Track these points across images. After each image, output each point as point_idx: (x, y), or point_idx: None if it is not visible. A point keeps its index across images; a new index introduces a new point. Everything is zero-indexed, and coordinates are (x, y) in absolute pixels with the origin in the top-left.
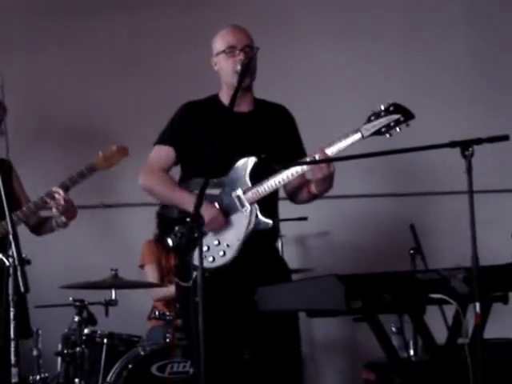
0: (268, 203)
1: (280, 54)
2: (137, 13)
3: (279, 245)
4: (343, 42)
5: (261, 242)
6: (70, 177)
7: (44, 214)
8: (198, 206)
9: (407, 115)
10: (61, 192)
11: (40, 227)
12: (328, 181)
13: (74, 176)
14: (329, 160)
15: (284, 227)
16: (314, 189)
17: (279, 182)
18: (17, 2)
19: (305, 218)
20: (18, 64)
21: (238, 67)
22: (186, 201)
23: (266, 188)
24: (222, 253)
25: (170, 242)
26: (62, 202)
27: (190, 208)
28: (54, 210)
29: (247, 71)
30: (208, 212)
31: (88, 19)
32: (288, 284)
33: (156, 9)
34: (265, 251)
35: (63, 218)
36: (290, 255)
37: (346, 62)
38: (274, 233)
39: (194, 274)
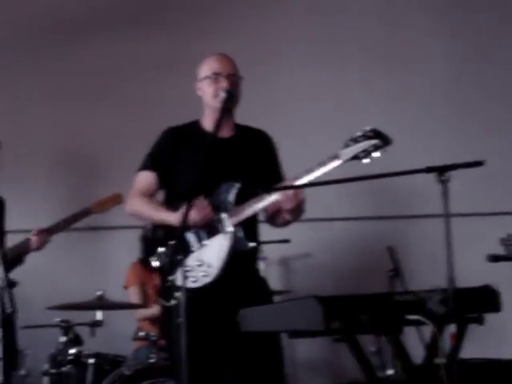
0: (249, 226)
1: (263, 84)
2: (121, 38)
3: (261, 266)
4: (324, 70)
5: (242, 263)
6: (64, 219)
7: None
8: (182, 227)
9: (385, 140)
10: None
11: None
12: (298, 210)
13: (68, 218)
14: (308, 185)
15: (267, 249)
16: (287, 216)
17: (260, 206)
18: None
19: (287, 241)
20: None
21: (223, 94)
22: (172, 218)
23: (248, 211)
24: (203, 273)
25: (153, 262)
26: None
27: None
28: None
29: (230, 98)
30: (196, 203)
31: (72, 46)
32: (269, 305)
33: (139, 35)
34: (246, 272)
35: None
36: (273, 277)
37: (326, 90)
38: (255, 254)
39: (176, 294)
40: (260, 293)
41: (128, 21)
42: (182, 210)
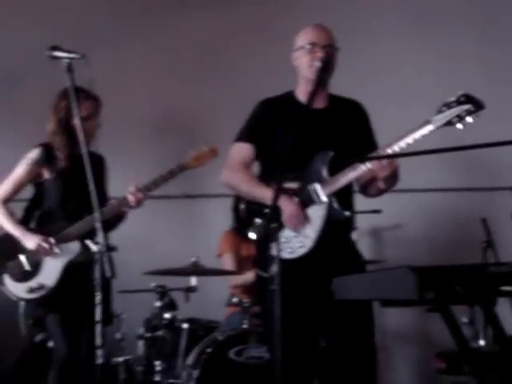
0: (344, 195)
1: (351, 52)
2: (216, 10)
3: (353, 236)
4: (415, 37)
5: (337, 232)
6: (161, 176)
7: None
8: (275, 198)
9: (477, 105)
10: (139, 195)
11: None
12: (393, 177)
13: (164, 175)
14: (402, 155)
15: (358, 219)
16: (381, 185)
17: (354, 175)
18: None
19: (379, 211)
20: (103, 60)
21: (318, 63)
22: (266, 196)
23: (342, 181)
24: (300, 244)
25: (251, 235)
26: (136, 205)
27: (269, 202)
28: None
29: (325, 68)
30: (287, 208)
31: (170, 17)
32: (363, 274)
33: (235, 7)
34: (341, 242)
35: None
36: (364, 247)
37: (419, 57)
38: (349, 224)
39: (273, 265)
40: (354, 262)
41: None
42: (274, 187)
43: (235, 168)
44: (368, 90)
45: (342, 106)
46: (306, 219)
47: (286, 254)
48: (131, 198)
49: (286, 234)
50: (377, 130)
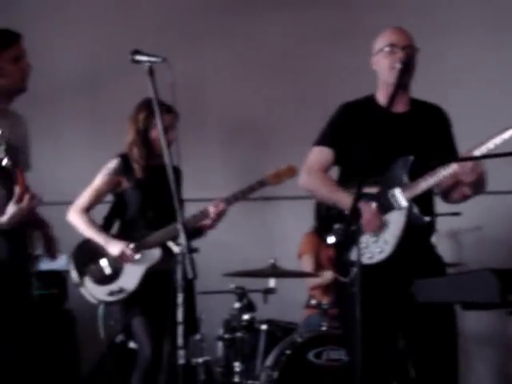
0: (424, 199)
1: (439, 57)
2: (291, 12)
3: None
4: (489, 38)
5: (417, 237)
6: (241, 190)
7: None
8: (355, 203)
9: None
10: (220, 207)
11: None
12: (479, 183)
13: (244, 190)
14: (482, 157)
15: (438, 222)
16: (466, 191)
17: (435, 180)
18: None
19: (458, 214)
20: (182, 61)
21: (398, 65)
22: (344, 201)
23: (423, 185)
24: (379, 249)
25: (330, 239)
26: (216, 217)
27: (347, 208)
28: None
29: (406, 69)
30: (366, 213)
31: (245, 18)
32: (444, 277)
33: (309, 9)
34: (421, 247)
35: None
36: (444, 250)
37: (491, 58)
38: (430, 228)
39: (353, 269)
40: (434, 266)
41: None
42: (353, 194)
43: (314, 172)
44: (446, 94)
45: (423, 110)
46: (384, 224)
47: (365, 260)
48: (212, 210)
49: (365, 239)
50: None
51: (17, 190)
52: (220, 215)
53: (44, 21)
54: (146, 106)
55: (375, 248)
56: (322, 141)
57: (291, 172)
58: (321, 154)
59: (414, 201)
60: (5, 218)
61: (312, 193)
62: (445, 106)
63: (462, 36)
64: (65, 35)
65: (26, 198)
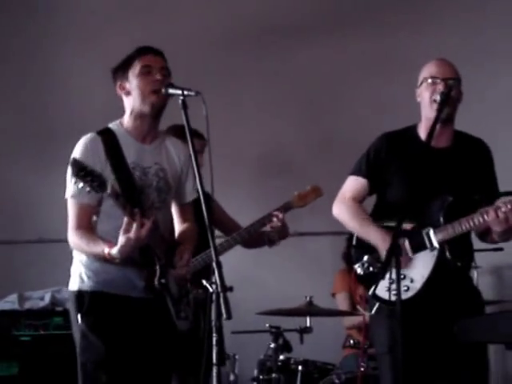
0: (461, 239)
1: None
2: (323, 46)
3: (473, 275)
4: None
5: (450, 279)
6: (266, 215)
7: None
8: (395, 240)
9: None
10: (279, 214)
11: (252, 241)
12: (508, 233)
13: (269, 214)
14: None
15: (479, 258)
16: (495, 237)
17: (469, 226)
18: (211, 36)
19: (500, 249)
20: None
21: (438, 97)
22: (374, 236)
23: (457, 230)
24: (405, 288)
25: (357, 269)
26: (280, 223)
27: (378, 243)
28: (270, 228)
29: (446, 101)
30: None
31: (279, 50)
32: (486, 316)
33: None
34: (455, 286)
35: (276, 236)
36: (485, 286)
37: None
38: (464, 269)
39: (377, 304)
40: (471, 304)
41: (336, 25)
42: (383, 232)
43: (346, 201)
44: (487, 122)
45: (465, 145)
46: (408, 264)
47: (392, 296)
48: (278, 215)
49: (394, 275)
50: None
51: (125, 219)
52: (284, 227)
53: (76, 52)
54: (174, 131)
55: (402, 285)
56: (358, 170)
57: (316, 193)
58: (355, 184)
59: (450, 240)
60: (115, 250)
61: (343, 222)
62: (491, 142)
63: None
64: (94, 68)
65: (134, 226)
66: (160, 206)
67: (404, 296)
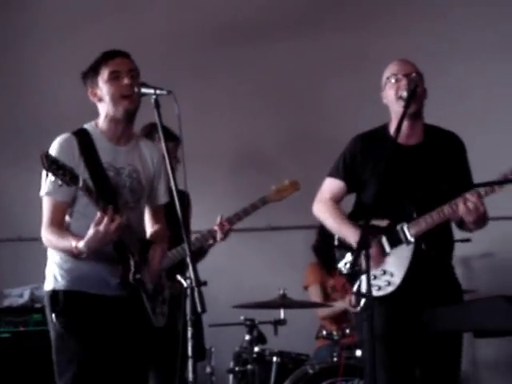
0: (437, 230)
1: (441, 79)
2: (299, 42)
3: None
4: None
5: (428, 269)
6: (243, 209)
7: None
8: (363, 238)
9: None
10: (226, 227)
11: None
12: (480, 221)
13: (247, 208)
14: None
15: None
16: (470, 226)
17: (440, 218)
18: (186, 31)
19: (468, 240)
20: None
21: (404, 93)
22: (350, 234)
23: (429, 223)
24: (386, 282)
25: (342, 269)
26: (222, 235)
27: (352, 240)
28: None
29: (412, 96)
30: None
31: (254, 48)
32: (455, 306)
33: (320, 36)
34: (434, 275)
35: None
36: None
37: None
38: (443, 258)
39: (362, 300)
40: (450, 294)
41: (307, 21)
42: (359, 231)
43: (324, 203)
44: (456, 115)
45: (438, 139)
46: (383, 261)
47: (374, 291)
48: (219, 229)
49: (375, 271)
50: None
51: (98, 213)
52: (226, 234)
53: (49, 51)
54: (147, 130)
55: (383, 281)
56: (335, 173)
57: (293, 187)
58: (332, 186)
59: (426, 233)
60: (81, 243)
61: (322, 222)
62: (464, 136)
63: (472, 54)
64: (69, 67)
65: (104, 220)
66: (134, 206)
67: (386, 290)
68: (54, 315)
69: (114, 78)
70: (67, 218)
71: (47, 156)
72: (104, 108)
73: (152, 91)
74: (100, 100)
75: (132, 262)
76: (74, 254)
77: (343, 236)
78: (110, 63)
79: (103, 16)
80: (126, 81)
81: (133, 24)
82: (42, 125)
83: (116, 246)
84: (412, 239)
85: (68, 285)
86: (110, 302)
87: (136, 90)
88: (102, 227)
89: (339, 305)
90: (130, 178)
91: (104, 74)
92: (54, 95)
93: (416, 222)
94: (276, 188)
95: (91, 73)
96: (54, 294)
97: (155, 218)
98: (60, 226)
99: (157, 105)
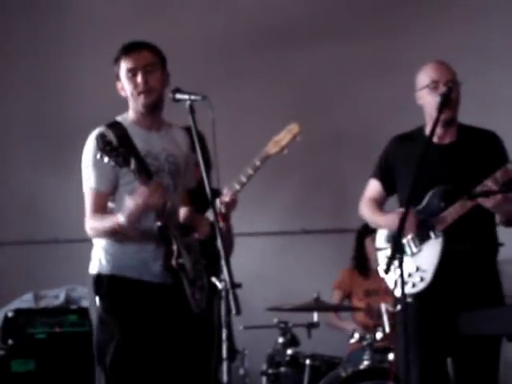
0: (466, 225)
1: (477, 81)
2: (327, 47)
3: None
4: None
5: (459, 265)
6: (244, 175)
7: None
8: (399, 233)
9: None
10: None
11: None
12: (503, 210)
13: (248, 172)
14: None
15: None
16: (502, 219)
17: (463, 210)
18: (220, 36)
19: (501, 244)
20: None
21: (438, 98)
22: (384, 221)
23: (453, 215)
24: (419, 278)
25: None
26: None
27: (388, 224)
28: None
29: (447, 103)
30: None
31: (284, 52)
32: (489, 309)
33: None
34: (469, 272)
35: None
36: None
37: None
38: (483, 255)
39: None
40: (487, 294)
41: (344, 26)
42: (393, 216)
43: (363, 201)
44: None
45: (472, 138)
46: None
47: (409, 289)
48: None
49: (408, 268)
50: None
51: (137, 185)
52: (233, 206)
53: (81, 61)
54: None
55: (416, 277)
56: (374, 173)
57: (290, 132)
58: (371, 186)
59: (454, 228)
60: (121, 216)
61: (366, 220)
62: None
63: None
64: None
65: (142, 191)
66: (174, 190)
67: (420, 286)
68: (97, 298)
69: (130, 76)
70: (110, 204)
71: (102, 136)
72: (130, 100)
73: (186, 97)
74: (126, 93)
75: (175, 246)
76: (118, 234)
77: (376, 224)
78: (127, 59)
79: (138, 21)
80: (139, 79)
81: (167, 29)
82: (79, 128)
83: (160, 229)
84: (439, 233)
85: (113, 269)
86: (154, 289)
87: (153, 84)
88: (141, 198)
89: (348, 326)
90: (167, 162)
91: (123, 71)
92: (95, 98)
93: (443, 215)
94: (273, 140)
95: (115, 67)
96: (99, 277)
97: (185, 202)
98: (103, 211)
99: (191, 110)
